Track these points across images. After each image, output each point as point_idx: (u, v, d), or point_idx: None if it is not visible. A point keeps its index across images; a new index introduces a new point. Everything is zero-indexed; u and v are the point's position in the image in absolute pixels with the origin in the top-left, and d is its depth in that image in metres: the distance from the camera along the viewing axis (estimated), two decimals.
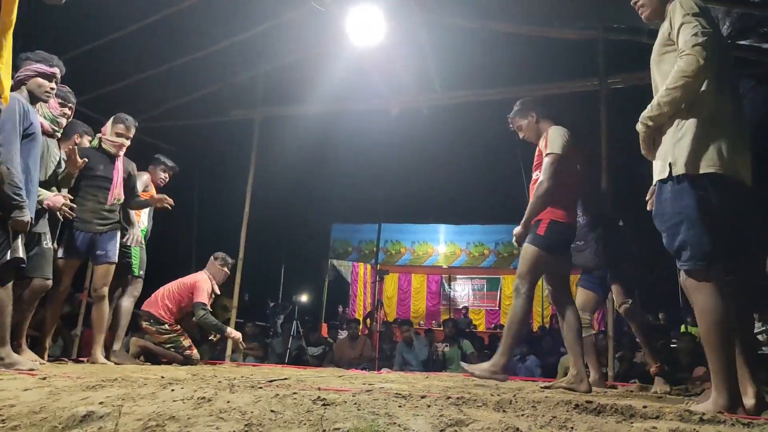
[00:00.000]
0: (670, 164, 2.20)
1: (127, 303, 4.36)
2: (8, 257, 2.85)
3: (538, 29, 5.77)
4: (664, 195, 2.23)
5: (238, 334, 4.80)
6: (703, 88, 2.20)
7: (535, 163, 3.29)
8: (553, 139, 3.14)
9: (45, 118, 3.50)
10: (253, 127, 6.93)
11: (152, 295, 4.81)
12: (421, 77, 6.51)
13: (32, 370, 2.84)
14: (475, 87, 6.48)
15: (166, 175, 5.11)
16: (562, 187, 3.12)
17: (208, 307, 4.73)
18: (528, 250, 3.13)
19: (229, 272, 5.20)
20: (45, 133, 3.48)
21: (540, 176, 3.11)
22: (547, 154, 3.12)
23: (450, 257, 13.08)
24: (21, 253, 2.92)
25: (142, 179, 4.78)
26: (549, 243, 3.09)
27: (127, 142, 4.24)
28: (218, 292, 5.02)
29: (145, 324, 4.64)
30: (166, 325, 4.63)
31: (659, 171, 2.27)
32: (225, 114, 7.32)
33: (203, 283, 4.82)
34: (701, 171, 2.15)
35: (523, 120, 3.44)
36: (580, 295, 3.81)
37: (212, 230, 9.78)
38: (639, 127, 2.34)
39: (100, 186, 4.08)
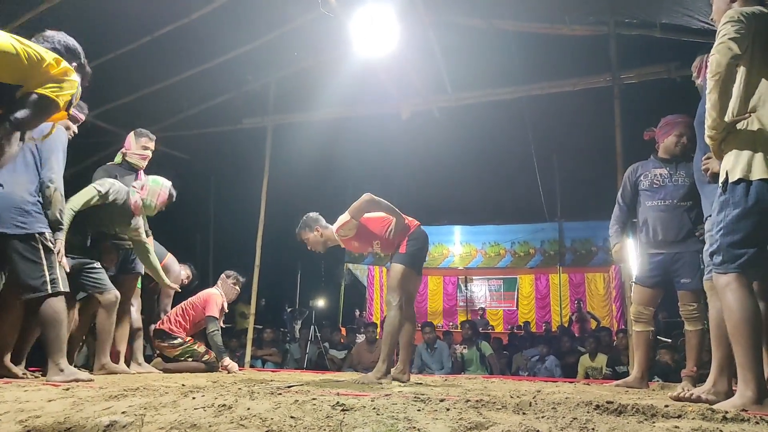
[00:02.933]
0: (727, 172, 2.23)
1: (135, 314, 4.43)
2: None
3: (548, 26, 5.75)
4: (715, 204, 2.30)
5: (233, 366, 4.69)
6: (755, 95, 2.21)
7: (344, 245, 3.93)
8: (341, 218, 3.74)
9: (144, 202, 3.87)
10: (265, 134, 6.98)
11: (164, 316, 4.88)
12: (431, 79, 6.51)
13: (90, 380, 2.98)
14: (486, 87, 6.46)
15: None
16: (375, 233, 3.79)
17: (220, 324, 4.75)
18: (396, 268, 3.64)
19: (240, 290, 5.25)
20: (134, 209, 3.88)
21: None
22: (350, 212, 3.68)
23: (466, 258, 13.03)
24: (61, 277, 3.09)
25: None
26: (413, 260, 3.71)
27: (150, 155, 4.34)
28: (227, 310, 5.06)
29: (157, 341, 4.69)
30: (179, 339, 4.68)
31: (720, 179, 2.29)
32: (238, 122, 7.40)
33: (216, 297, 4.85)
34: (743, 177, 2.15)
35: (309, 234, 3.84)
36: (640, 292, 3.71)
37: (228, 237, 9.85)
38: (707, 140, 2.35)
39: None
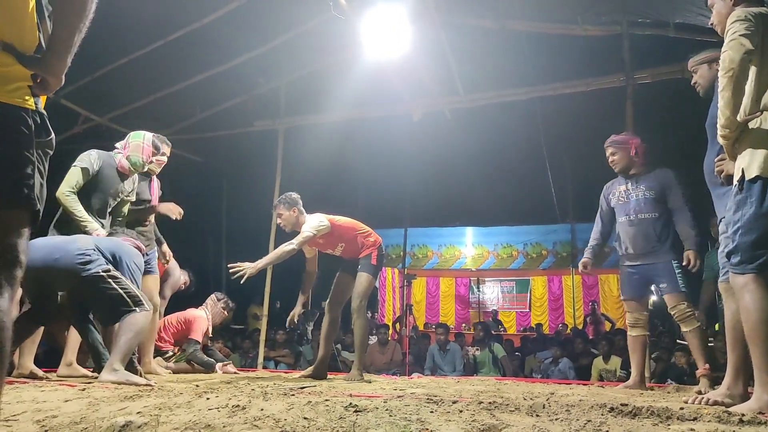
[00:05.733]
0: (743, 170, 2.20)
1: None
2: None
3: (561, 27, 5.71)
4: (730, 203, 2.28)
5: (228, 369, 4.67)
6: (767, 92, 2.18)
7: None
8: (309, 225, 3.91)
9: (129, 160, 3.74)
10: (277, 136, 7.01)
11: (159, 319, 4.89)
12: (442, 80, 6.50)
13: (149, 385, 2.89)
14: (498, 88, 6.44)
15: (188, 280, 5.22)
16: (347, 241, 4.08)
17: (200, 346, 4.73)
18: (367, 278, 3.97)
19: (227, 316, 5.21)
20: (122, 170, 3.76)
21: (292, 240, 3.86)
22: (303, 231, 3.87)
23: (478, 260, 12.98)
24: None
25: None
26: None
27: (166, 161, 4.33)
28: (210, 334, 5.02)
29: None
30: (169, 352, 4.72)
31: (735, 178, 2.27)
32: (249, 125, 7.44)
33: (201, 321, 4.81)
34: (760, 174, 2.12)
35: (286, 211, 4.02)
36: (629, 303, 3.82)
37: (241, 239, 9.90)
38: (720, 140, 2.34)
39: (143, 208, 4.16)
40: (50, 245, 3.01)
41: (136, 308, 3.00)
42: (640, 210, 3.68)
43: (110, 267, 3.05)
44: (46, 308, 3.19)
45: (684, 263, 3.51)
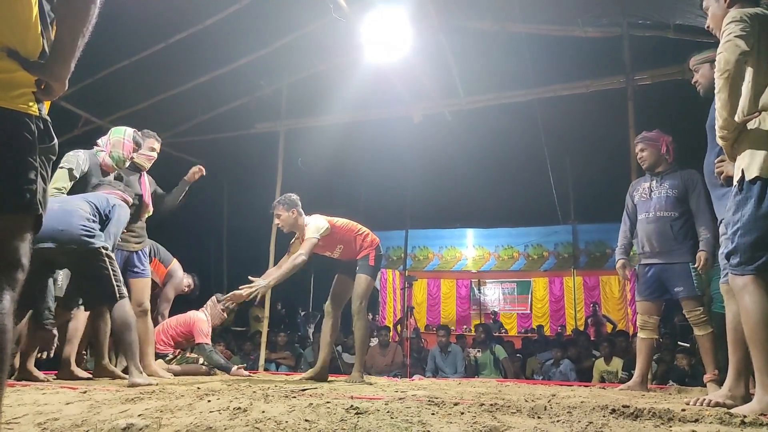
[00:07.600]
0: (742, 170, 2.20)
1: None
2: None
3: (561, 28, 5.72)
4: (730, 203, 2.27)
5: (243, 372, 4.68)
6: (765, 93, 2.18)
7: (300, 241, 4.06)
8: (311, 228, 3.91)
9: (112, 157, 3.75)
10: (278, 138, 7.01)
11: (162, 321, 4.88)
12: (442, 83, 6.51)
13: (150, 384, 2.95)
14: (498, 90, 6.45)
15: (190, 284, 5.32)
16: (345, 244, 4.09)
17: (211, 346, 4.76)
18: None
19: (227, 317, 5.23)
20: (105, 168, 3.77)
21: (301, 251, 3.84)
22: (307, 238, 3.86)
23: (479, 261, 12.96)
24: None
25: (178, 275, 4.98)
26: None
27: (156, 156, 4.33)
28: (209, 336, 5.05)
29: None
30: (169, 355, 4.71)
31: (735, 178, 2.27)
32: (251, 127, 7.44)
33: (202, 324, 4.80)
34: (760, 175, 2.12)
35: (286, 212, 4.00)
36: (641, 303, 3.81)
37: (242, 242, 9.90)
38: (718, 141, 2.33)
39: (137, 204, 4.12)
40: (54, 217, 2.97)
41: (116, 295, 3.06)
42: (660, 208, 3.65)
43: (108, 246, 3.12)
44: (31, 290, 3.15)
45: (695, 265, 3.48)
